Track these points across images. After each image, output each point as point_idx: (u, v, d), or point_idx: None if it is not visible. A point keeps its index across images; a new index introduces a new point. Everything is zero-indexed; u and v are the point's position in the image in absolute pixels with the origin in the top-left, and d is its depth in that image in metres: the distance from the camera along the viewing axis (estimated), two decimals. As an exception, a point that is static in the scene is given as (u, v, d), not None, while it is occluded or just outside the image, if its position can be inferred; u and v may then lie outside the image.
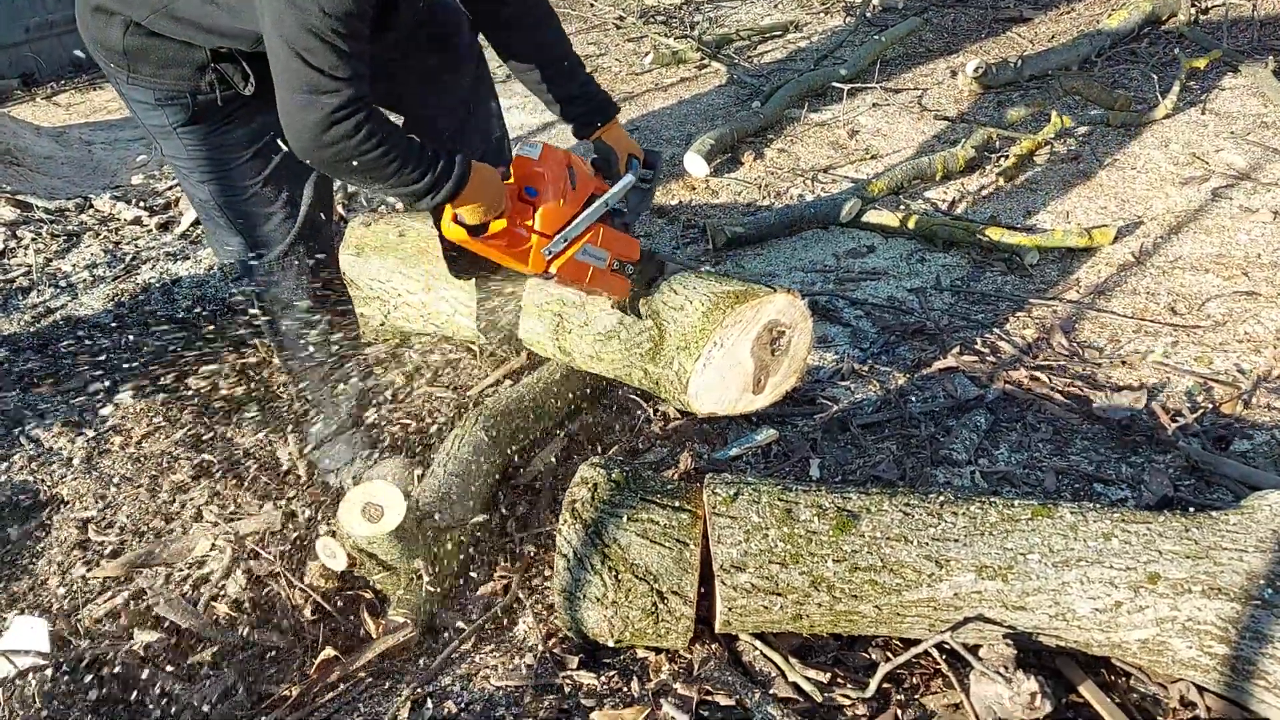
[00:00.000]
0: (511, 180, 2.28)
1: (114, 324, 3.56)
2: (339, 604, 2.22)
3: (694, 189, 4.59)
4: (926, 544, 2.03)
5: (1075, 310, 3.45)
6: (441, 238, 2.29)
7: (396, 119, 2.31)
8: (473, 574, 2.36)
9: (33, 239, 4.22)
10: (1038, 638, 2.03)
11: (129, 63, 2.15)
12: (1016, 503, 2.10)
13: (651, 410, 2.96)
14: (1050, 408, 2.94)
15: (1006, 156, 4.55)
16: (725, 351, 2.49)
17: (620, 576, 2.02)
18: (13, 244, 4.17)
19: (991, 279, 3.73)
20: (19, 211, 4.39)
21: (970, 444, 2.81)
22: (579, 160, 2.36)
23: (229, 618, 2.15)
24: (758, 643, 2.14)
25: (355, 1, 1.85)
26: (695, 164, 4.60)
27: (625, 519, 2.06)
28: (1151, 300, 3.47)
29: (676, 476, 2.54)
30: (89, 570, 2.37)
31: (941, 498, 2.11)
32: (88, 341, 3.45)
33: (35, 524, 2.53)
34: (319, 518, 2.48)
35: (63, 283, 3.90)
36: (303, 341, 2.48)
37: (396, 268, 3.19)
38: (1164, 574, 1.93)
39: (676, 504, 2.11)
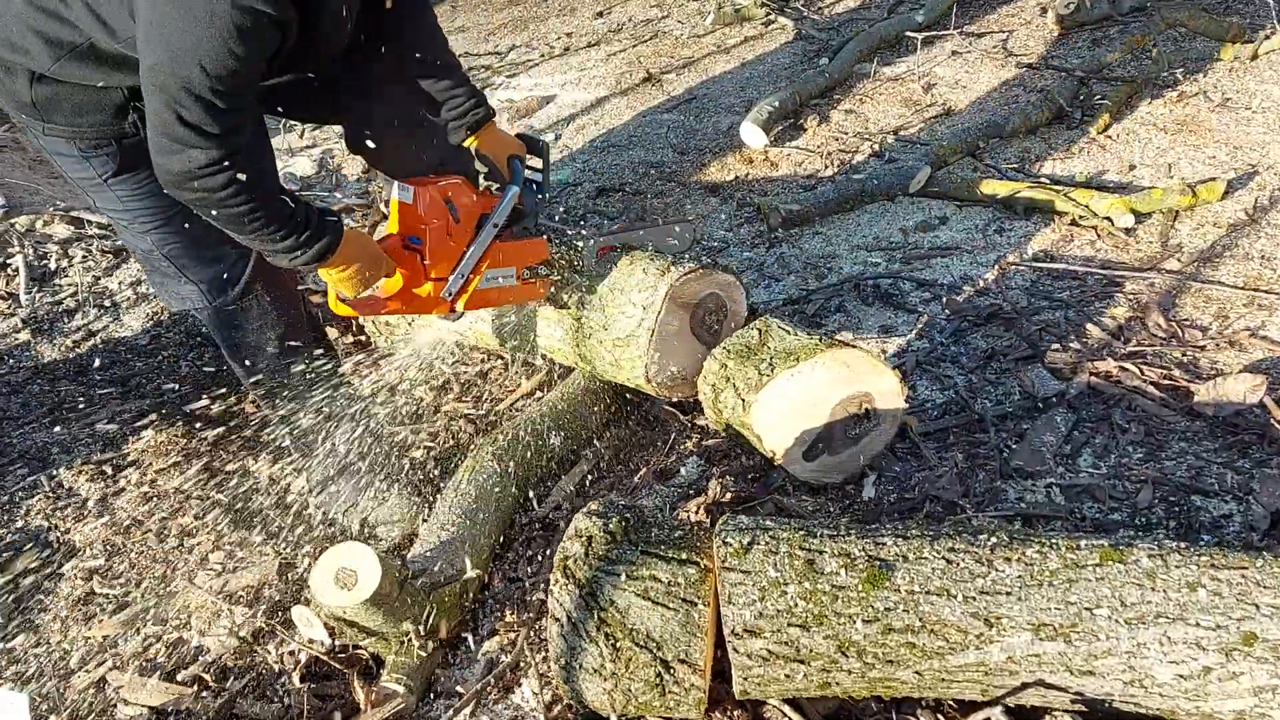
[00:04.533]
0: (392, 233, 2.21)
1: (149, 345, 3.49)
2: (332, 666, 2.05)
3: (751, 162, 4.27)
4: (973, 598, 1.73)
5: (1176, 283, 3.04)
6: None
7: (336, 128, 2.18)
8: (481, 622, 2.17)
9: (83, 256, 4.19)
10: (1111, 705, 1.73)
11: (41, 113, 2.00)
12: (1082, 543, 1.79)
13: (688, 423, 2.71)
14: (1142, 403, 2.58)
15: (1100, 104, 4.09)
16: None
17: (619, 645, 1.79)
18: (64, 263, 4.16)
19: (1080, 249, 3.32)
20: (72, 229, 4.38)
21: (1048, 451, 2.48)
22: (458, 187, 2.27)
23: (214, 688, 2.02)
24: (786, 708, 1.89)
25: (239, 60, 1.75)
26: (752, 135, 4.28)
27: (623, 577, 1.82)
28: (1267, 267, 3.03)
29: (693, 515, 2.29)
30: (89, 627, 2.27)
31: (993, 539, 1.81)
32: (122, 367, 3.38)
33: (47, 572, 2.45)
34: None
35: (107, 302, 3.85)
36: (279, 383, 2.32)
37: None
38: (1262, 634, 1.60)
39: (683, 556, 1.86)
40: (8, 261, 4.14)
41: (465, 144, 2.43)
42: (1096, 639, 1.68)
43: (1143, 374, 2.67)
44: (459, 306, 2.27)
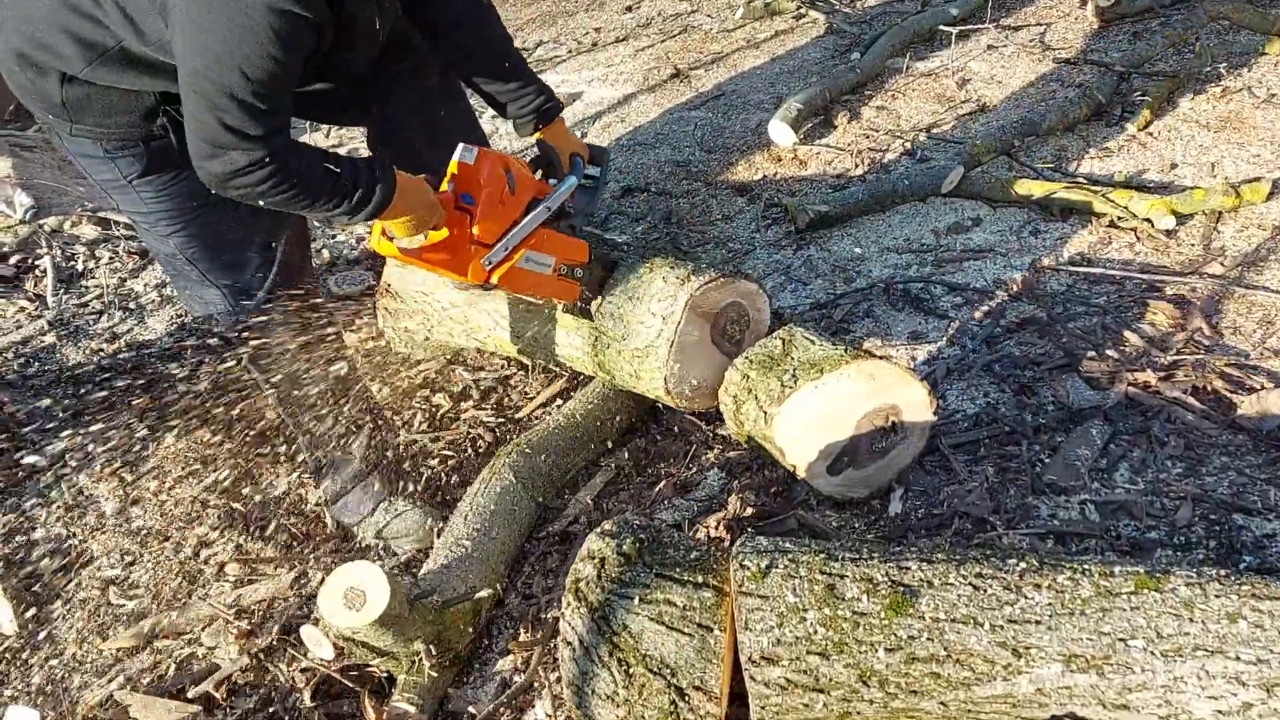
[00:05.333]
0: (446, 188, 2.17)
1: (172, 348, 3.48)
2: (343, 684, 2.02)
3: (779, 160, 4.19)
4: (1001, 627, 1.66)
5: (1219, 288, 2.93)
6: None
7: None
8: (494, 639, 2.13)
9: (110, 257, 4.20)
10: (1147, 740, 1.65)
11: (70, 114, 1.98)
12: (1116, 570, 1.71)
13: (710, 433, 2.65)
14: (1183, 415, 2.48)
15: (1141, 101, 3.97)
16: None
17: (631, 671, 1.74)
18: (91, 264, 4.16)
19: (1118, 252, 3.22)
20: (99, 230, 4.39)
21: (1082, 465, 2.39)
22: (519, 163, 2.26)
23: (225, 705, 1.99)
24: (806, 736, 1.83)
25: (279, 64, 1.74)
26: (780, 132, 4.20)
27: (637, 601, 1.77)
28: (1315, 271, 2.92)
29: (712, 530, 2.23)
30: (104, 640, 2.25)
31: (1022, 565, 1.74)
32: (146, 370, 3.37)
33: (64, 583, 2.44)
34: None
35: (132, 305, 3.85)
36: (301, 392, 2.29)
37: (440, 279, 2.98)
38: (1309, 670, 1.52)
39: (699, 579, 1.81)
40: (36, 263, 4.15)
41: (533, 136, 2.44)
42: (1131, 671, 1.61)
43: (1184, 383, 2.57)
44: (494, 278, 2.24)
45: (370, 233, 2.18)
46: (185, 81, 1.77)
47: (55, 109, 1.97)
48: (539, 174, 2.41)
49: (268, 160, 1.82)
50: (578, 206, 2.43)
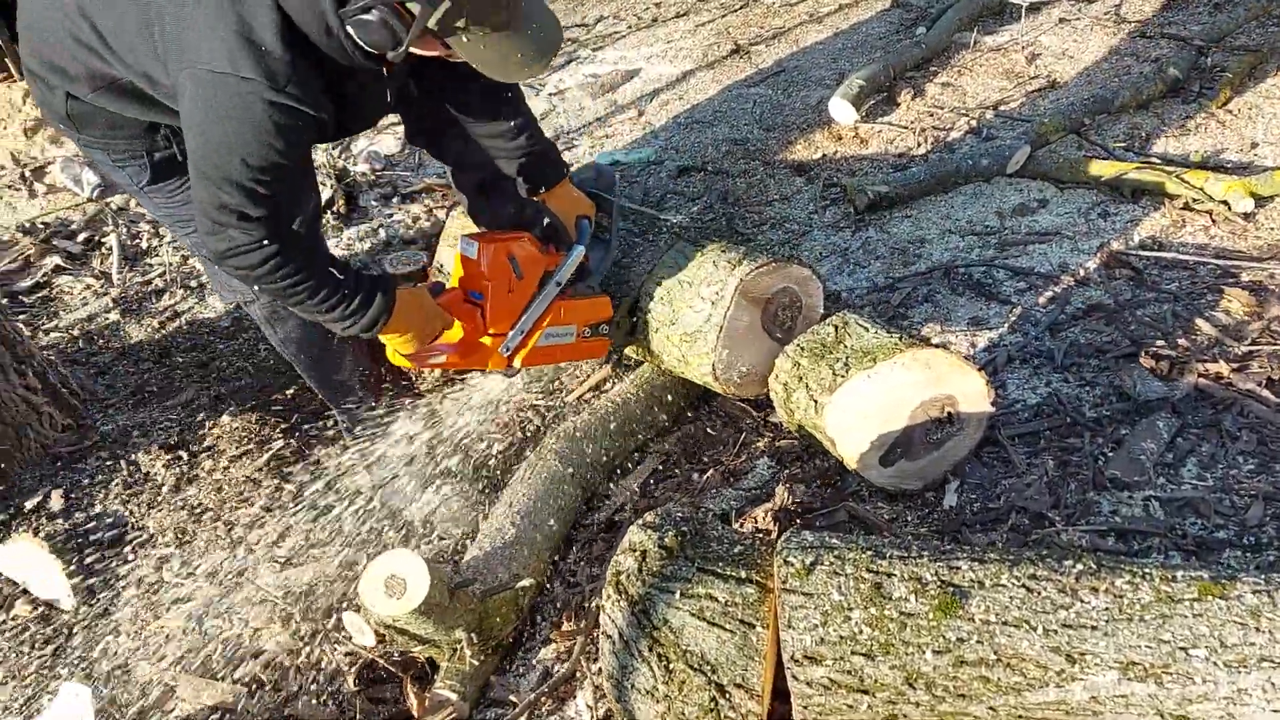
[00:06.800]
0: (454, 287, 2.21)
1: (230, 327, 3.52)
2: (387, 669, 2.03)
3: (840, 139, 4.09)
4: (1055, 631, 1.61)
5: (1299, 274, 2.80)
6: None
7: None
8: (537, 627, 2.12)
9: (173, 236, 4.26)
10: (1208, 753, 1.58)
11: (76, 126, 2.04)
12: (1178, 575, 1.64)
13: (761, 420, 2.61)
14: (1256, 409, 2.37)
15: (1220, 76, 3.79)
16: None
17: (671, 666, 1.71)
18: (154, 242, 4.23)
19: (1191, 236, 3.09)
20: (163, 207, 4.45)
21: (1148, 460, 2.30)
22: (522, 244, 2.24)
23: (270, 688, 2.01)
24: (849, 736, 1.79)
25: (280, 154, 1.76)
26: (841, 110, 4.10)
27: (678, 595, 1.74)
28: (1404, 258, 2.77)
29: (759, 521, 2.19)
30: (156, 618, 2.29)
31: (1079, 566, 1.67)
32: (204, 350, 3.42)
33: (121, 560, 2.48)
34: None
35: (193, 283, 3.90)
36: (337, 379, 2.30)
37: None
38: (1383, 686, 1.44)
39: (742, 574, 1.77)
40: (102, 240, 4.24)
41: (539, 197, 2.37)
42: (1192, 682, 1.54)
43: (1259, 374, 2.46)
44: (516, 363, 2.27)
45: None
46: (190, 159, 1.80)
47: (63, 120, 2.04)
48: (546, 245, 2.33)
49: (266, 242, 1.82)
50: (594, 265, 2.42)
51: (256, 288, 1.90)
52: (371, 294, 1.97)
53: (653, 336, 2.45)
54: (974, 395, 2.25)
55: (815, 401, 2.23)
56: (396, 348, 2.14)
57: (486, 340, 2.21)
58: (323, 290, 1.91)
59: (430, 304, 2.12)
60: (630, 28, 5.82)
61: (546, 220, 2.31)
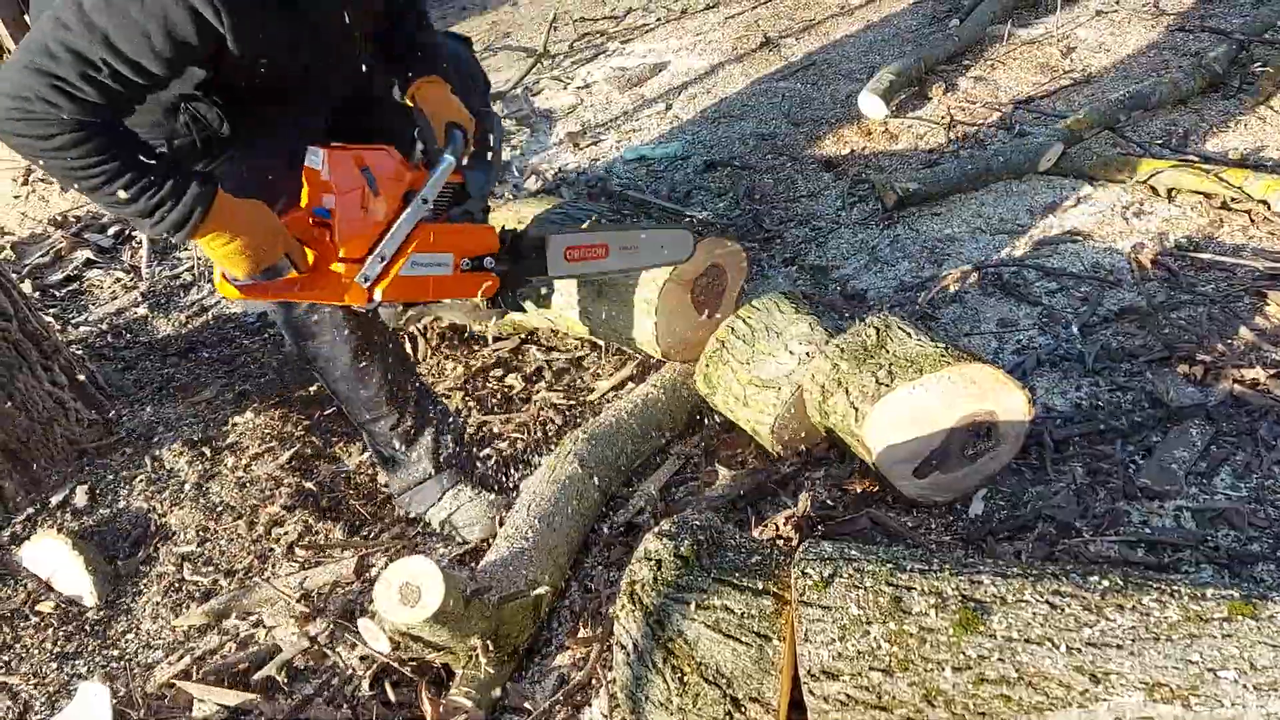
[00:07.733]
0: (302, 204, 1.90)
1: (255, 322, 3.53)
2: (402, 673, 2.02)
3: (869, 134, 4.04)
4: (1079, 650, 1.57)
5: (1341, 277, 2.72)
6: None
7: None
8: (553, 633, 2.11)
9: (202, 229, 4.28)
10: (1235, 777, 1.54)
11: None
12: (1208, 593, 1.59)
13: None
14: (1293, 417, 2.31)
15: (1262, 72, 3.70)
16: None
17: (686, 679, 1.69)
18: (183, 235, 4.25)
19: (1229, 236, 3.02)
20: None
21: (1180, 469, 2.25)
22: (380, 155, 1.93)
23: (286, 689, 2.01)
24: (867, 752, 1.76)
25: (156, 55, 1.61)
26: (871, 105, 4.04)
27: (693, 606, 1.72)
28: None
29: (779, 527, 2.16)
30: (176, 616, 2.30)
31: (1104, 583, 1.63)
32: (229, 345, 3.43)
33: (143, 557, 2.50)
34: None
35: (220, 277, 3.92)
36: (365, 395, 2.28)
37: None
38: None
39: (759, 585, 1.74)
40: (132, 234, 4.27)
41: (407, 95, 2.14)
42: (1220, 705, 1.49)
43: (1296, 384, 2.39)
44: (378, 295, 1.95)
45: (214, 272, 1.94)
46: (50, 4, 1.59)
47: None
48: (416, 160, 2.06)
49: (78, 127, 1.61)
50: (474, 186, 2.13)
51: (41, 161, 1.62)
52: (185, 183, 1.70)
53: (712, 361, 2.47)
54: (1015, 410, 2.19)
55: (856, 409, 2.18)
56: (226, 269, 1.84)
57: (339, 267, 1.90)
58: (125, 175, 1.65)
59: (270, 217, 1.84)
60: (660, 20, 5.79)
61: (417, 121, 2.06)
